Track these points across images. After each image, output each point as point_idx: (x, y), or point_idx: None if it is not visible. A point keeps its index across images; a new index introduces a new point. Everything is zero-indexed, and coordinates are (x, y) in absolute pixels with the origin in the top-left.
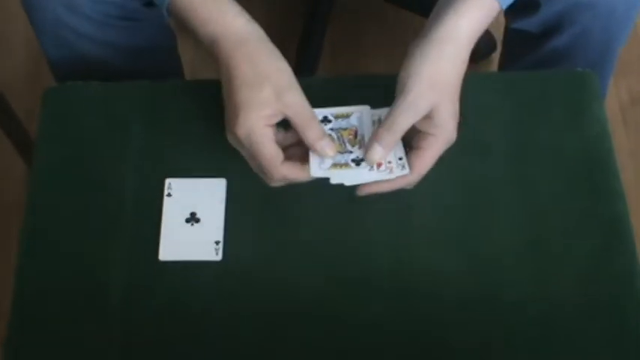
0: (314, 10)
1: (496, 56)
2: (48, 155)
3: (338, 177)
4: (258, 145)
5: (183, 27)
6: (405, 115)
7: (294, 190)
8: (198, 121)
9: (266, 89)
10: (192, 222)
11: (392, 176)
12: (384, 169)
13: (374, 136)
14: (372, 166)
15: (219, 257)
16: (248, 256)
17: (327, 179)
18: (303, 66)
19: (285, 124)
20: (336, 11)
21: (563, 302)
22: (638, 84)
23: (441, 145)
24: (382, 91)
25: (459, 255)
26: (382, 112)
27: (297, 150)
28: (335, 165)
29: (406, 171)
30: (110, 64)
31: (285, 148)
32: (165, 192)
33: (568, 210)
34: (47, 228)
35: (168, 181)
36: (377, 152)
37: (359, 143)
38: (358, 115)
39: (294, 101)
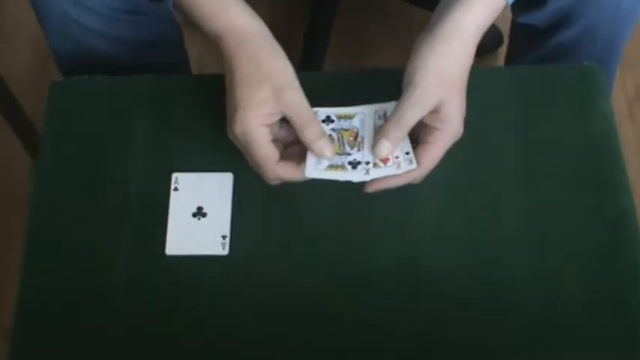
0: (319, 5)
1: (502, 51)
2: (54, 149)
3: (333, 179)
4: (254, 145)
5: (189, 21)
6: (413, 109)
7: (300, 185)
8: (204, 116)
9: (265, 88)
10: (199, 216)
11: (399, 171)
12: (391, 164)
13: (381, 131)
14: (367, 171)
15: (225, 252)
16: (255, 250)
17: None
18: (309, 61)
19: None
20: (342, 6)
21: (568, 298)
22: None
23: (448, 140)
24: (388, 86)
25: (462, 252)
26: (388, 106)
27: (299, 147)
28: (331, 166)
29: (414, 165)
30: (116, 59)
31: (287, 145)
32: (172, 186)
33: (574, 205)
34: (53, 222)
35: (174, 175)
36: (385, 147)
37: (358, 145)
38: (361, 116)
39: (293, 100)
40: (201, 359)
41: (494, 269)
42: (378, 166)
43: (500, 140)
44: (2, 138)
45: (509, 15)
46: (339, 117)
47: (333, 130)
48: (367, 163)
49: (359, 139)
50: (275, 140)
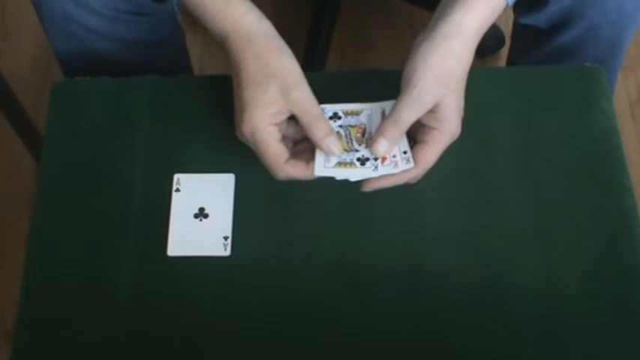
0: (322, 6)
1: (504, 51)
2: (56, 150)
3: (342, 176)
4: (262, 144)
5: (192, 22)
6: (411, 109)
7: (302, 185)
8: (206, 117)
9: (272, 88)
10: (201, 217)
11: (397, 170)
12: (388, 164)
13: (379, 130)
14: (376, 167)
15: (227, 253)
16: (256, 251)
17: (331, 178)
18: (311, 61)
19: None
20: (344, 6)
21: (570, 297)
22: None
23: (445, 140)
24: (391, 86)
25: (466, 251)
26: (387, 104)
27: (308, 144)
28: (340, 164)
29: (411, 165)
30: (119, 60)
31: (296, 142)
32: (174, 187)
33: (576, 205)
34: (56, 222)
35: (176, 176)
36: (382, 146)
37: (366, 142)
38: (369, 112)
39: (300, 99)
40: (204, 359)
41: (496, 269)
42: (376, 170)
43: (502, 140)
44: (4, 138)
45: (510, 16)
46: (347, 113)
47: (340, 126)
48: (376, 159)
49: (366, 136)
50: (284, 137)
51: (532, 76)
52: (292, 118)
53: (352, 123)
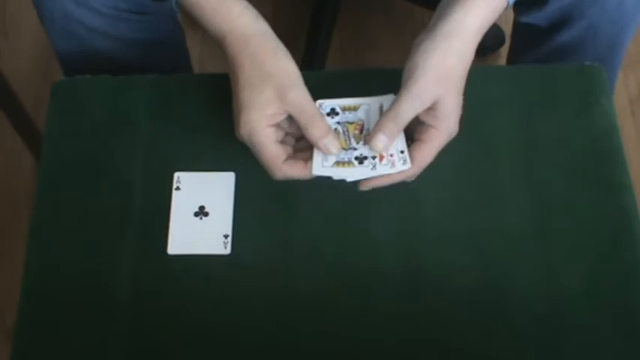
0: (322, 5)
1: (504, 50)
2: (56, 149)
3: (340, 175)
4: (259, 145)
5: (192, 21)
6: (410, 105)
7: (303, 184)
8: (206, 115)
9: (268, 89)
10: (201, 216)
11: (394, 171)
12: (386, 163)
13: (378, 125)
14: (374, 165)
15: (227, 251)
16: (257, 249)
17: (329, 178)
18: (311, 60)
19: None
20: (344, 5)
21: (570, 296)
22: None
23: (443, 139)
24: (391, 85)
25: (464, 252)
26: (384, 99)
27: (308, 142)
28: (338, 163)
29: (408, 165)
30: (119, 58)
31: (299, 138)
32: (174, 186)
33: (576, 204)
34: (56, 221)
35: (177, 174)
36: (381, 141)
37: (364, 139)
38: (366, 107)
39: (296, 99)
40: (204, 358)
41: (496, 268)
42: (374, 169)
43: (502, 139)
44: (4, 137)
45: (511, 14)
46: (344, 109)
47: (338, 123)
48: (374, 157)
49: (364, 132)
50: (287, 134)
51: (532, 75)
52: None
53: (350, 119)
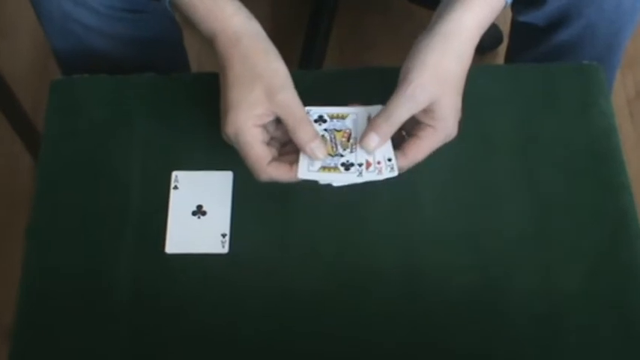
0: (320, 4)
1: (502, 49)
2: (55, 148)
3: (326, 180)
4: (245, 146)
5: (190, 22)
6: (404, 106)
7: (301, 184)
8: (204, 114)
9: (257, 89)
10: (199, 215)
11: (380, 178)
12: (372, 170)
13: (371, 125)
14: (360, 172)
15: (225, 250)
16: (254, 249)
17: (315, 181)
18: (310, 60)
19: None
20: (342, 5)
21: (569, 297)
22: None
23: (439, 139)
24: (388, 84)
25: (464, 250)
26: (373, 109)
27: (295, 145)
28: (324, 168)
29: (395, 173)
30: (117, 57)
31: (284, 143)
32: (172, 185)
33: (574, 204)
34: (55, 221)
35: (174, 173)
36: (373, 141)
37: (351, 147)
38: (354, 117)
39: (285, 101)
40: (202, 357)
41: (495, 269)
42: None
43: (500, 139)
44: (3, 137)
45: (509, 14)
46: (332, 117)
47: (325, 130)
48: (360, 164)
49: (352, 141)
50: (272, 138)
51: (530, 74)
52: (279, 120)
53: (337, 127)
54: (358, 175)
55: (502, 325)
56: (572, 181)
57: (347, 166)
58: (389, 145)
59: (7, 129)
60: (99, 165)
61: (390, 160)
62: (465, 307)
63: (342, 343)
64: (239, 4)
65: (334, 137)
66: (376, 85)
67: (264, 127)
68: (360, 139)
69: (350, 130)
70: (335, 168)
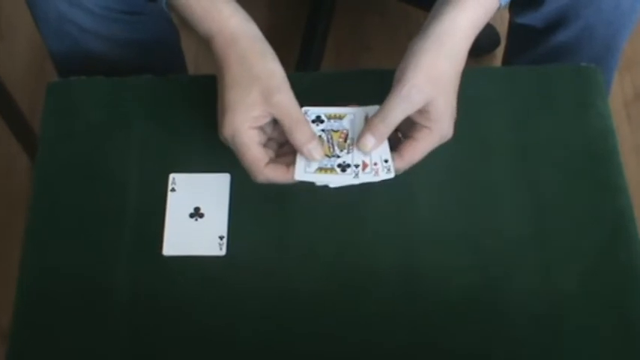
0: (317, 6)
1: (500, 51)
2: (52, 150)
3: (323, 181)
4: (242, 147)
5: (187, 24)
6: (400, 106)
7: (298, 186)
8: (202, 117)
9: (254, 91)
10: (197, 217)
11: (377, 179)
12: (369, 172)
13: (367, 126)
14: (356, 174)
15: (223, 252)
16: (252, 251)
17: (312, 183)
18: (307, 62)
19: None
20: (340, 7)
21: (567, 297)
22: None
23: (435, 140)
24: (386, 86)
25: (463, 251)
26: (371, 109)
27: (292, 146)
28: (321, 169)
29: (391, 175)
30: (113, 59)
31: (282, 144)
32: (170, 187)
33: (572, 205)
34: (51, 222)
35: (172, 176)
36: (369, 141)
37: (348, 147)
38: (351, 117)
39: (282, 103)
40: (200, 359)
41: (493, 270)
42: (356, 177)
43: (497, 140)
44: (0, 139)
45: (506, 15)
46: (330, 117)
47: (322, 130)
48: (357, 166)
49: (348, 141)
50: (270, 139)
51: (528, 76)
52: (277, 121)
53: (335, 127)
54: (354, 177)
55: (501, 326)
56: (569, 183)
57: (343, 168)
58: (385, 146)
59: (4, 130)
60: (96, 167)
61: (386, 161)
62: (463, 307)
63: (340, 343)
64: (236, 6)
65: (331, 138)
66: (373, 87)
67: (262, 128)
68: (357, 140)
69: (347, 130)
70: (332, 169)
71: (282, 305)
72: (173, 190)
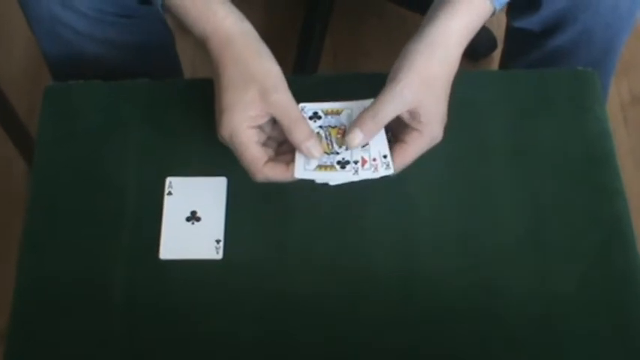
0: (314, 9)
1: (497, 55)
2: (49, 154)
3: (322, 179)
4: (240, 147)
5: (182, 25)
6: (390, 104)
7: (295, 189)
8: (198, 120)
9: (251, 90)
10: (193, 221)
11: (376, 175)
12: (368, 168)
13: (356, 121)
14: (356, 170)
15: (219, 256)
16: (249, 255)
17: (312, 181)
18: (304, 65)
19: None
20: (337, 10)
21: (564, 301)
22: (639, 83)
23: (425, 143)
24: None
25: (460, 255)
26: (368, 103)
27: (291, 145)
28: (320, 166)
29: (391, 171)
30: (107, 62)
31: (281, 143)
32: (166, 190)
33: (569, 209)
34: (48, 227)
35: (168, 179)
36: (357, 137)
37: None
38: (349, 112)
39: (280, 101)
40: None
41: (490, 273)
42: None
43: (494, 144)
44: None
45: (503, 19)
46: (327, 112)
47: (320, 127)
48: (356, 162)
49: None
50: (269, 138)
51: (525, 80)
52: (275, 120)
53: (332, 123)
54: (354, 173)
55: (499, 327)
56: (567, 186)
57: (343, 164)
58: (384, 141)
59: (1, 134)
60: (93, 171)
61: (385, 157)
62: (460, 310)
63: (338, 346)
64: (231, 6)
65: (329, 134)
66: (370, 90)
67: (260, 127)
68: (345, 134)
69: (345, 126)
70: (331, 166)
71: (280, 309)
72: (170, 193)
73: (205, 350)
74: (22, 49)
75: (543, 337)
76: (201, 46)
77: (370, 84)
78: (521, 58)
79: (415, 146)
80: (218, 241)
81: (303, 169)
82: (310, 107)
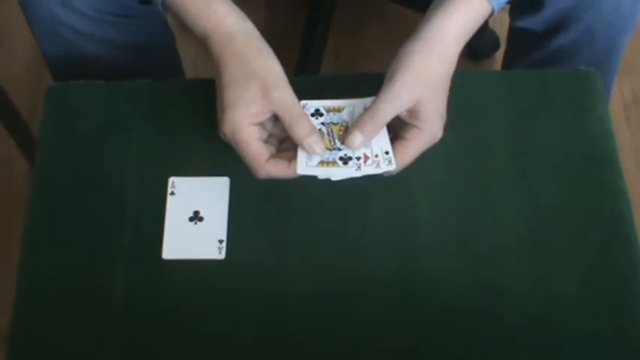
0: (316, 10)
1: (500, 55)
2: (51, 154)
3: (325, 175)
4: (242, 144)
5: (183, 25)
6: (389, 104)
7: (297, 189)
8: (201, 120)
9: (252, 87)
10: (196, 220)
11: (379, 171)
12: (370, 164)
13: (356, 123)
14: (358, 166)
15: (222, 256)
16: (251, 254)
17: (314, 177)
18: (306, 65)
19: None
20: (339, 10)
21: (564, 301)
22: None
23: (425, 140)
24: None
25: (460, 255)
26: (369, 100)
27: (293, 141)
28: (322, 162)
29: (393, 166)
30: (108, 62)
31: (282, 140)
32: (169, 190)
33: (571, 209)
34: (50, 226)
35: (171, 179)
36: (357, 138)
37: None
38: (350, 109)
39: (281, 98)
40: None
41: (491, 273)
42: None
43: (497, 144)
44: None
45: (506, 19)
46: (328, 110)
47: (322, 124)
48: (358, 158)
49: None
50: (270, 135)
51: (527, 80)
52: (277, 117)
53: (334, 120)
54: (357, 169)
55: (499, 328)
56: (568, 186)
57: (345, 160)
58: (386, 138)
59: (3, 134)
60: (95, 171)
61: (387, 153)
62: (460, 311)
63: (338, 346)
64: (232, 5)
65: (331, 131)
66: (371, 90)
67: (262, 124)
68: (345, 136)
69: (347, 122)
70: (333, 162)
71: (281, 309)
72: (172, 193)
73: (205, 350)
74: (24, 50)
75: (543, 337)
76: (202, 44)
77: (374, 83)
78: (523, 58)
79: (415, 143)
80: (221, 241)
81: (306, 166)
82: (312, 104)
